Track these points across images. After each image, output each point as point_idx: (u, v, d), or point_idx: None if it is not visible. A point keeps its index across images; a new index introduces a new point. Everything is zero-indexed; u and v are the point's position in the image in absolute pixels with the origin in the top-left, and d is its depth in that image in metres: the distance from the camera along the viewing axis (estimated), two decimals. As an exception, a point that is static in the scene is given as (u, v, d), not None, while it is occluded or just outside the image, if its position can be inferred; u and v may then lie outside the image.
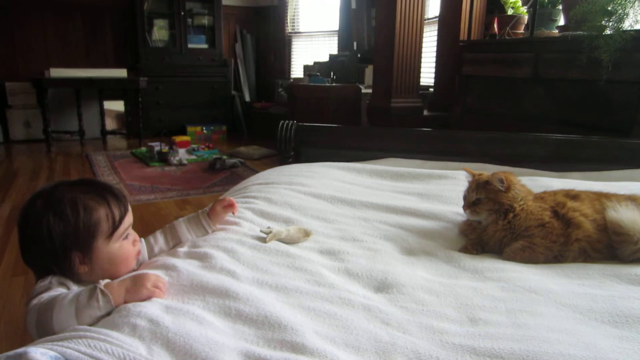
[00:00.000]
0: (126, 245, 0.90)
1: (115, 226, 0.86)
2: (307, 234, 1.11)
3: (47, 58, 5.40)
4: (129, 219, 0.90)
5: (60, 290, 0.80)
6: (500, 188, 1.12)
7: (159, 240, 1.06)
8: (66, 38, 5.52)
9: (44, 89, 4.72)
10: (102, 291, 0.74)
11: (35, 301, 0.76)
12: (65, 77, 5.02)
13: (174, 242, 1.07)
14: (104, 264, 0.87)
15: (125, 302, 0.77)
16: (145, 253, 1.02)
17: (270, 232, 1.09)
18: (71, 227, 0.81)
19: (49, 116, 4.78)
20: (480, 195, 1.14)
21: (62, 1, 5.40)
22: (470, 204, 1.15)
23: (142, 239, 1.04)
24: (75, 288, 0.82)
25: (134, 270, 0.94)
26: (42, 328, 0.73)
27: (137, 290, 0.78)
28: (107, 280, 0.80)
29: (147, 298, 0.78)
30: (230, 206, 1.14)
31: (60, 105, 5.32)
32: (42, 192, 0.85)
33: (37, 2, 5.29)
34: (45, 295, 0.76)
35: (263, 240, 1.06)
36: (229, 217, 1.17)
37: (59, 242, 0.80)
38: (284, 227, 1.13)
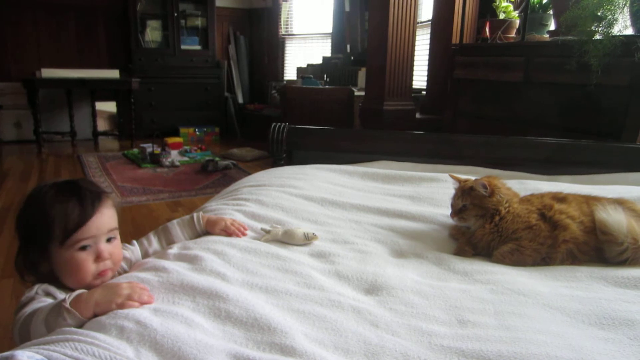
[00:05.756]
0: (78, 257, 0.82)
1: (66, 233, 0.80)
2: (308, 237, 1.10)
3: (39, 58, 5.36)
4: (90, 230, 0.82)
5: (44, 301, 0.79)
6: (484, 193, 1.13)
7: (153, 242, 1.05)
8: (58, 38, 5.48)
9: (35, 89, 4.68)
10: (66, 309, 0.72)
11: (20, 314, 0.76)
12: (56, 78, 4.99)
13: (168, 244, 1.06)
14: (58, 271, 0.84)
15: (95, 314, 0.73)
16: (138, 255, 1.01)
17: (270, 231, 1.10)
18: (30, 223, 0.83)
19: (40, 117, 4.75)
20: (466, 202, 1.15)
21: (54, 1, 5.36)
22: (457, 211, 1.17)
23: (135, 241, 1.04)
24: (60, 296, 0.80)
25: (124, 272, 0.93)
26: (23, 342, 0.73)
27: (107, 305, 0.74)
28: (80, 291, 0.76)
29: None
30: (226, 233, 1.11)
31: (52, 106, 5.28)
32: (32, 189, 0.87)
33: (30, 2, 5.25)
34: (28, 309, 0.76)
35: (264, 234, 1.10)
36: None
37: (21, 234, 0.85)
38: (287, 227, 1.13)
